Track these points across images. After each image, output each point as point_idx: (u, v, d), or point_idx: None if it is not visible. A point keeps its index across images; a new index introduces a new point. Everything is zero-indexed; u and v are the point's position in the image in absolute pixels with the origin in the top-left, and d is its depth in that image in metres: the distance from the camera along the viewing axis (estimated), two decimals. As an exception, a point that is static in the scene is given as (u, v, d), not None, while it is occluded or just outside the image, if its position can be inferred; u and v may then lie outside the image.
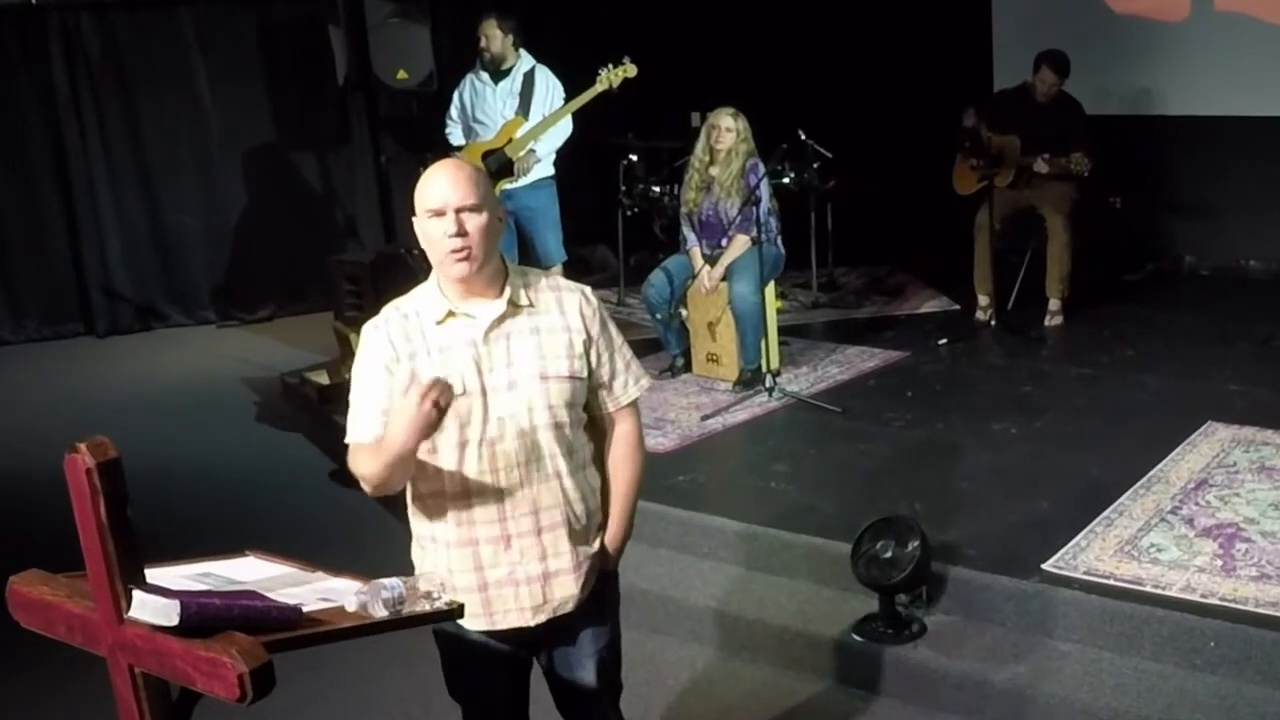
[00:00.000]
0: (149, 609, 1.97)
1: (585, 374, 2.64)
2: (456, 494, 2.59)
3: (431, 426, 2.39)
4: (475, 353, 2.55)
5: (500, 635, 2.68)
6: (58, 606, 2.16)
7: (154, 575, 2.14)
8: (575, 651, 2.75)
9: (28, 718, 4.18)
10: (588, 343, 2.64)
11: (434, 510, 2.63)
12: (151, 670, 2.04)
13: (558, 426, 2.60)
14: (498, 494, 2.57)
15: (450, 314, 2.57)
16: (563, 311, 2.63)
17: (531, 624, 2.66)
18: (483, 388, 2.55)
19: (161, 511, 4.93)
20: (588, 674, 2.76)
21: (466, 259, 2.49)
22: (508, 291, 2.58)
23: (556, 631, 2.72)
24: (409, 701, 4.09)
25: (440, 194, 2.49)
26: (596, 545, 2.72)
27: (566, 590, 2.66)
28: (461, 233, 2.48)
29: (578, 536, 2.66)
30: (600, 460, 2.75)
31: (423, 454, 2.54)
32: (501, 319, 2.57)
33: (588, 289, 2.71)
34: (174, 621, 1.94)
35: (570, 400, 2.61)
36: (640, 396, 2.77)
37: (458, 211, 2.48)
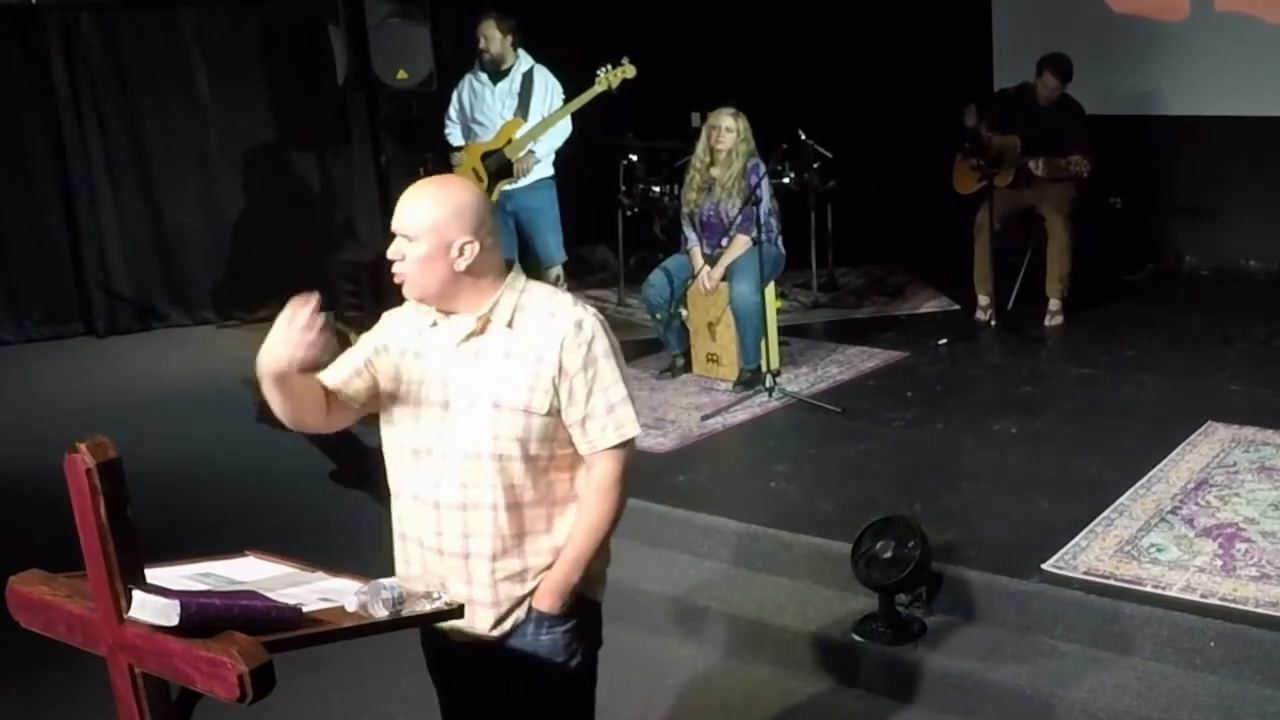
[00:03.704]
0: (149, 609, 1.97)
1: (547, 410, 2.50)
2: (406, 496, 2.62)
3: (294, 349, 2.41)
4: (445, 365, 2.55)
5: (450, 636, 2.63)
6: (58, 606, 2.16)
7: (154, 575, 2.14)
8: (512, 692, 2.68)
9: (28, 718, 4.18)
10: (558, 378, 2.50)
11: (395, 504, 2.67)
12: (151, 670, 2.04)
13: (501, 458, 2.50)
14: (436, 507, 2.56)
15: (434, 322, 2.59)
16: (542, 340, 2.51)
17: (467, 639, 2.60)
18: (445, 401, 2.54)
19: (161, 511, 4.92)
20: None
21: (402, 283, 2.53)
22: (484, 308, 2.54)
23: (496, 658, 2.63)
24: (409, 701, 4.08)
25: (395, 215, 2.53)
26: (529, 587, 2.58)
27: (483, 623, 2.57)
28: (398, 258, 2.51)
29: (502, 573, 2.55)
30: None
31: (385, 450, 2.63)
32: (472, 335, 2.54)
33: (589, 320, 2.54)
34: (174, 621, 1.94)
35: (522, 435, 2.50)
36: (621, 444, 2.56)
37: (401, 236, 2.51)
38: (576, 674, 2.68)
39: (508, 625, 2.60)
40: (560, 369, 2.50)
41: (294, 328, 2.43)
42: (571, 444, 2.57)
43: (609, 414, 2.54)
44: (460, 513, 2.54)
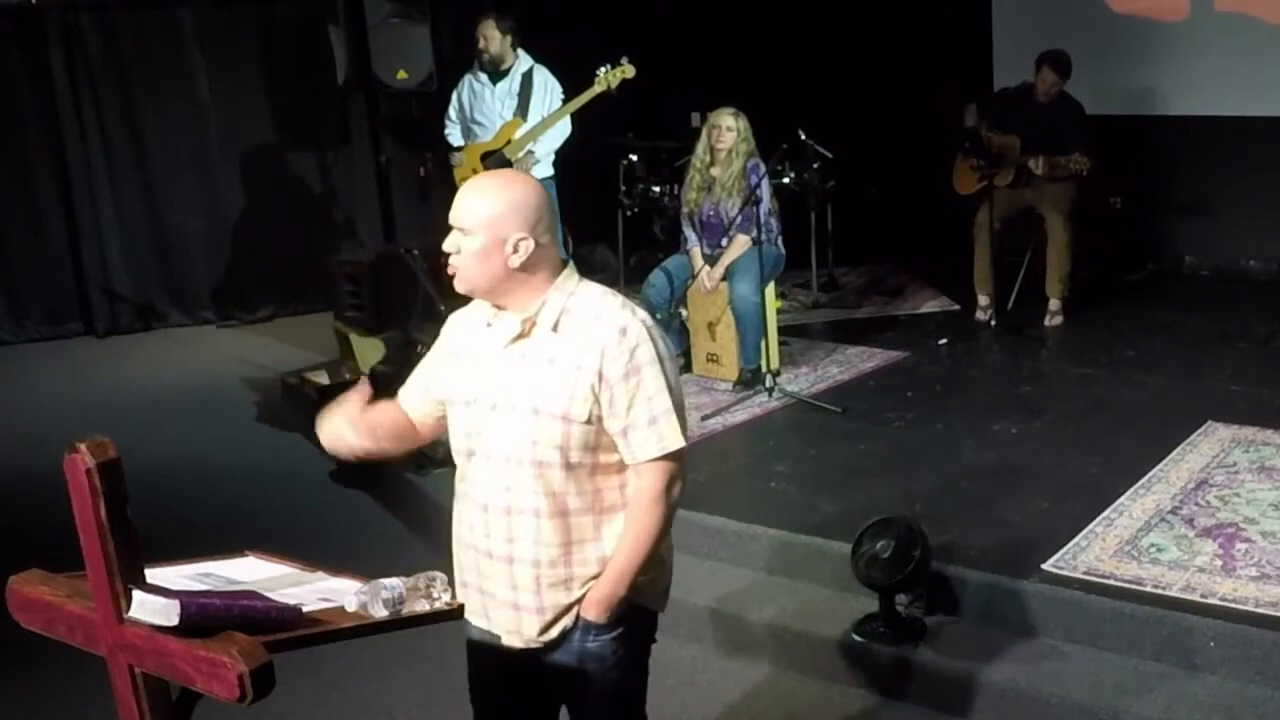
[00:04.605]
0: (149, 609, 1.97)
1: (587, 418, 2.46)
2: (463, 496, 2.62)
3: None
4: (494, 366, 2.54)
5: (500, 643, 2.63)
6: (58, 606, 2.16)
7: (154, 575, 2.14)
8: (562, 698, 2.70)
9: (28, 718, 4.18)
10: (598, 385, 2.45)
11: (455, 504, 2.67)
12: (151, 670, 2.04)
13: (539, 464, 2.47)
14: (485, 510, 2.55)
15: (489, 322, 2.58)
16: (585, 345, 2.46)
17: (517, 646, 2.60)
18: (493, 403, 2.52)
19: (161, 511, 4.92)
20: None
21: (455, 276, 2.53)
22: (530, 311, 2.51)
23: (545, 665, 2.62)
24: (409, 702, 4.08)
25: (453, 208, 2.52)
26: (575, 595, 2.55)
27: (530, 629, 2.56)
28: (454, 251, 2.51)
29: (547, 580, 2.53)
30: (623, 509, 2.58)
31: (452, 449, 2.64)
32: (519, 338, 2.52)
33: (635, 326, 2.47)
34: (174, 621, 1.94)
35: (561, 443, 2.46)
36: (665, 455, 2.50)
37: (457, 229, 2.50)
38: (626, 679, 2.67)
39: (555, 633, 2.57)
40: (600, 377, 2.45)
41: (341, 416, 2.64)
42: (618, 450, 2.53)
43: (651, 425, 2.48)
44: (505, 517, 2.52)
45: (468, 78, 6.95)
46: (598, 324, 2.48)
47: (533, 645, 2.59)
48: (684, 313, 6.42)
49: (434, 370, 2.68)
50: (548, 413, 2.47)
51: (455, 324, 2.69)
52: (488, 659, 2.68)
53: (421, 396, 2.69)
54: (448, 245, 2.51)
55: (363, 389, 2.68)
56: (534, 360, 2.50)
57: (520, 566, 2.53)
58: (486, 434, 2.53)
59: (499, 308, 2.56)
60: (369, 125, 8.82)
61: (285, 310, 8.92)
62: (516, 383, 2.50)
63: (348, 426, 2.64)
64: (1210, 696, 3.58)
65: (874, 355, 6.58)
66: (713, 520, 4.71)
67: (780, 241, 6.31)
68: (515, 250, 2.46)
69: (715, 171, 6.20)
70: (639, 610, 2.63)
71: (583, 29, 8.19)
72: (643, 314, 2.54)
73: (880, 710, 3.94)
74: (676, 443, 2.51)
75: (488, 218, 2.46)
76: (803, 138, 7.38)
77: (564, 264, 2.58)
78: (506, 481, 2.50)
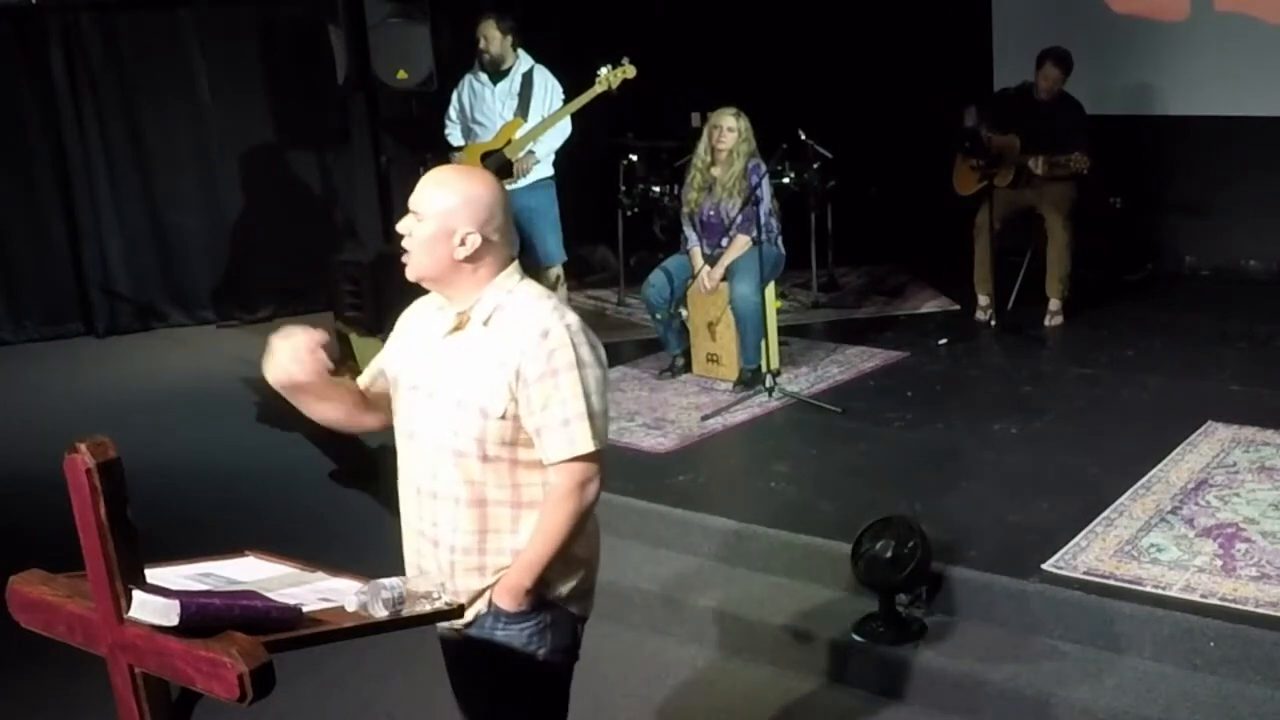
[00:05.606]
0: (149, 609, 1.97)
1: (503, 414, 2.51)
2: (401, 478, 2.70)
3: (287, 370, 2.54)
4: (434, 354, 2.62)
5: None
6: (58, 606, 2.17)
7: (154, 575, 2.15)
8: (479, 682, 2.73)
9: (28, 718, 4.18)
10: (515, 384, 2.50)
11: (400, 484, 2.73)
12: (151, 670, 2.04)
13: (458, 454, 2.54)
14: (418, 492, 2.63)
15: (440, 306, 2.66)
16: (509, 344, 2.52)
17: (444, 624, 2.63)
18: (430, 391, 2.60)
19: (161, 511, 4.92)
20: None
21: (406, 260, 2.59)
22: (467, 305, 2.58)
23: (465, 645, 2.67)
24: (409, 702, 4.09)
25: (414, 193, 2.59)
26: (488, 582, 2.60)
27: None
28: (406, 234, 2.58)
29: (462, 565, 2.59)
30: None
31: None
32: (455, 330, 2.60)
33: (558, 329, 2.51)
34: (174, 621, 1.95)
35: (479, 435, 2.52)
36: (575, 458, 2.52)
37: (412, 213, 2.57)
38: (537, 673, 2.66)
39: (468, 615, 2.62)
40: (518, 375, 2.50)
41: (290, 346, 2.54)
42: None
43: (563, 428, 2.52)
44: (431, 500, 2.60)
45: (468, 78, 6.95)
46: (523, 324, 2.54)
47: (454, 624, 2.63)
48: (684, 313, 6.42)
49: (389, 353, 2.76)
50: (469, 405, 2.54)
51: (411, 310, 2.77)
52: (441, 637, 2.77)
53: (376, 374, 2.76)
54: (400, 227, 2.59)
55: (318, 336, 2.57)
56: (466, 352, 2.58)
57: (441, 549, 2.62)
58: (421, 419, 2.61)
59: (448, 297, 2.64)
60: (369, 125, 8.80)
61: (285, 310, 8.90)
62: (447, 373, 2.58)
63: (295, 363, 2.54)
64: (1210, 696, 3.58)
65: (874, 355, 6.58)
66: (713, 520, 4.72)
67: (780, 242, 6.31)
68: (462, 243, 2.53)
69: (716, 172, 6.20)
70: (553, 606, 2.65)
71: (583, 29, 8.20)
72: (572, 318, 2.57)
73: (880, 710, 3.94)
74: (586, 447, 2.53)
75: (440, 208, 2.54)
76: (803, 138, 7.38)
77: (509, 262, 2.63)
78: (433, 467, 2.58)
